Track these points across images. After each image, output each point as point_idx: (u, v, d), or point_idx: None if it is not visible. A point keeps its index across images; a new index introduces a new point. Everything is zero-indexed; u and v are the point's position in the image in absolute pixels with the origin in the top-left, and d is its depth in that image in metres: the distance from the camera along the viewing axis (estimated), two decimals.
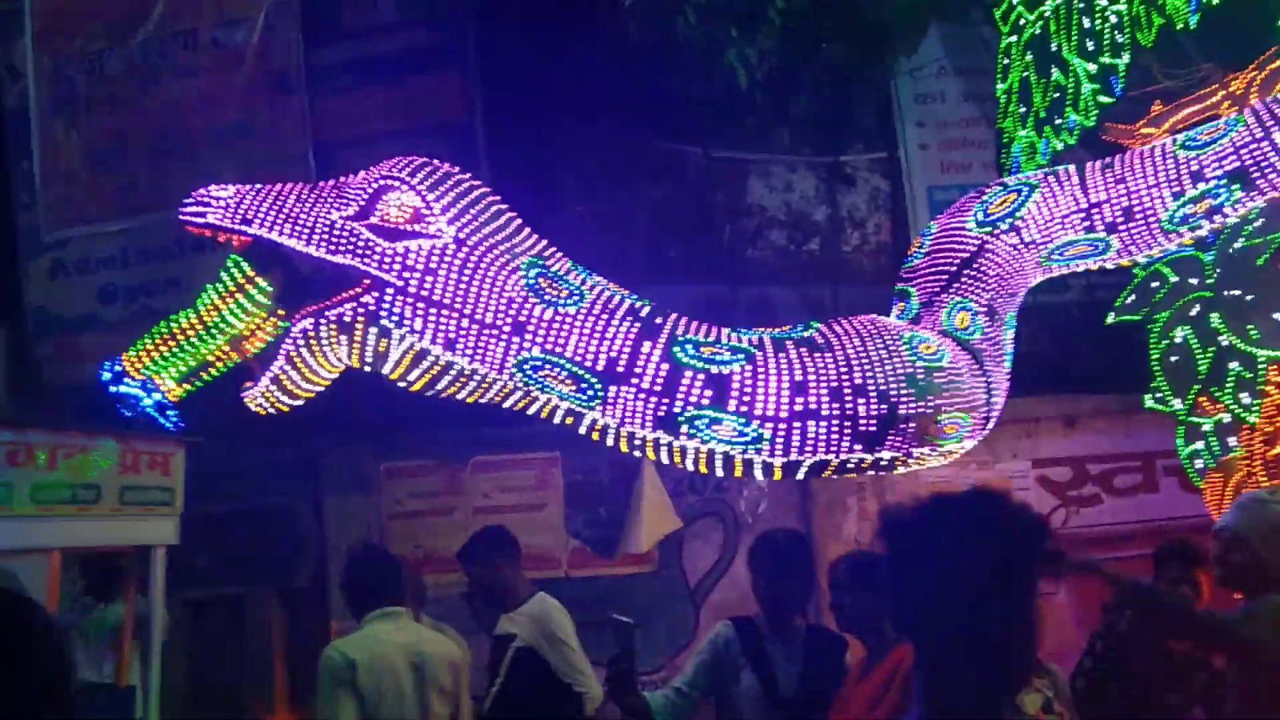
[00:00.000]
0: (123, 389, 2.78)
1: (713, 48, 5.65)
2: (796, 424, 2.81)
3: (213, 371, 2.83)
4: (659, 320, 2.94)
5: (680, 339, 2.88)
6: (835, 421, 2.84)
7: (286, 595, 6.65)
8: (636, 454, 2.93)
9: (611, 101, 6.19)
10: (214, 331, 2.79)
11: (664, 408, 2.77)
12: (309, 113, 6.45)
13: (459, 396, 2.90)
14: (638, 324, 2.89)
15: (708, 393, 2.80)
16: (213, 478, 5.56)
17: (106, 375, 2.77)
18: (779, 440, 2.80)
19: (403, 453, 6.33)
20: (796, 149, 6.32)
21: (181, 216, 2.82)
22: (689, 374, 2.81)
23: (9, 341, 7.07)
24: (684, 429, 2.78)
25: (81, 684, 5.36)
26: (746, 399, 2.80)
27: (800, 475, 2.93)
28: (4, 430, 4.69)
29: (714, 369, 2.83)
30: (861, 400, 2.89)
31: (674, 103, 6.09)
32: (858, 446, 2.90)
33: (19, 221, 7.17)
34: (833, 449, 2.87)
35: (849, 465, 2.95)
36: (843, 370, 2.92)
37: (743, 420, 2.79)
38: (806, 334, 3.06)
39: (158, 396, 2.78)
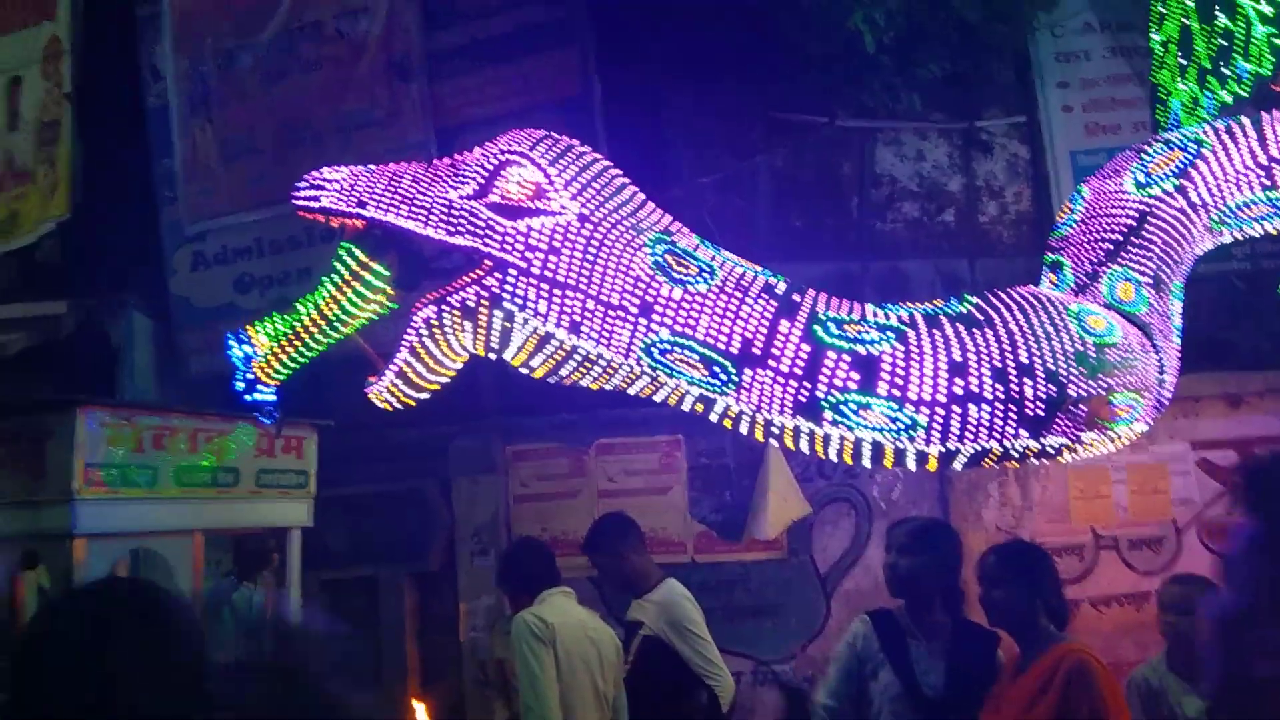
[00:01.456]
0: (257, 398, 2.63)
1: (837, 10, 5.27)
2: (956, 408, 2.48)
3: (312, 354, 2.66)
4: (796, 297, 2.64)
5: (822, 317, 2.57)
6: (1000, 405, 2.50)
7: (417, 577, 6.60)
8: (773, 442, 2.64)
9: (731, 71, 5.89)
10: (335, 325, 2.60)
11: (805, 392, 2.47)
12: (429, 98, 6.35)
13: (583, 383, 2.66)
14: (774, 302, 2.59)
15: (854, 375, 2.48)
16: (344, 461, 5.55)
17: (240, 384, 2.63)
18: (936, 426, 2.48)
19: (528, 435, 6.20)
20: (928, 115, 5.87)
21: (295, 201, 2.64)
22: (833, 355, 2.50)
23: (156, 333, 7.21)
24: (828, 415, 2.47)
25: (234, 662, 5.43)
26: (899, 382, 2.48)
27: (958, 465, 2.60)
28: (150, 415, 4.74)
29: (861, 349, 2.51)
30: (1028, 381, 2.54)
31: (796, 70, 5.73)
32: (1023, 432, 2.56)
33: (163, 217, 7.29)
34: (995, 435, 2.53)
35: (1012, 453, 2.60)
36: (1006, 348, 2.57)
37: (895, 405, 2.47)
38: (963, 309, 2.71)
39: (266, 392, 2.62)
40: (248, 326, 2.57)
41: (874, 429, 2.48)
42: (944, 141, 6.05)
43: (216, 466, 4.93)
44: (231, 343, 2.58)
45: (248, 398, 2.63)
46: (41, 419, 4.56)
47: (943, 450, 2.53)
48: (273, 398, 2.66)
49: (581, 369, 2.59)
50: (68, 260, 7.68)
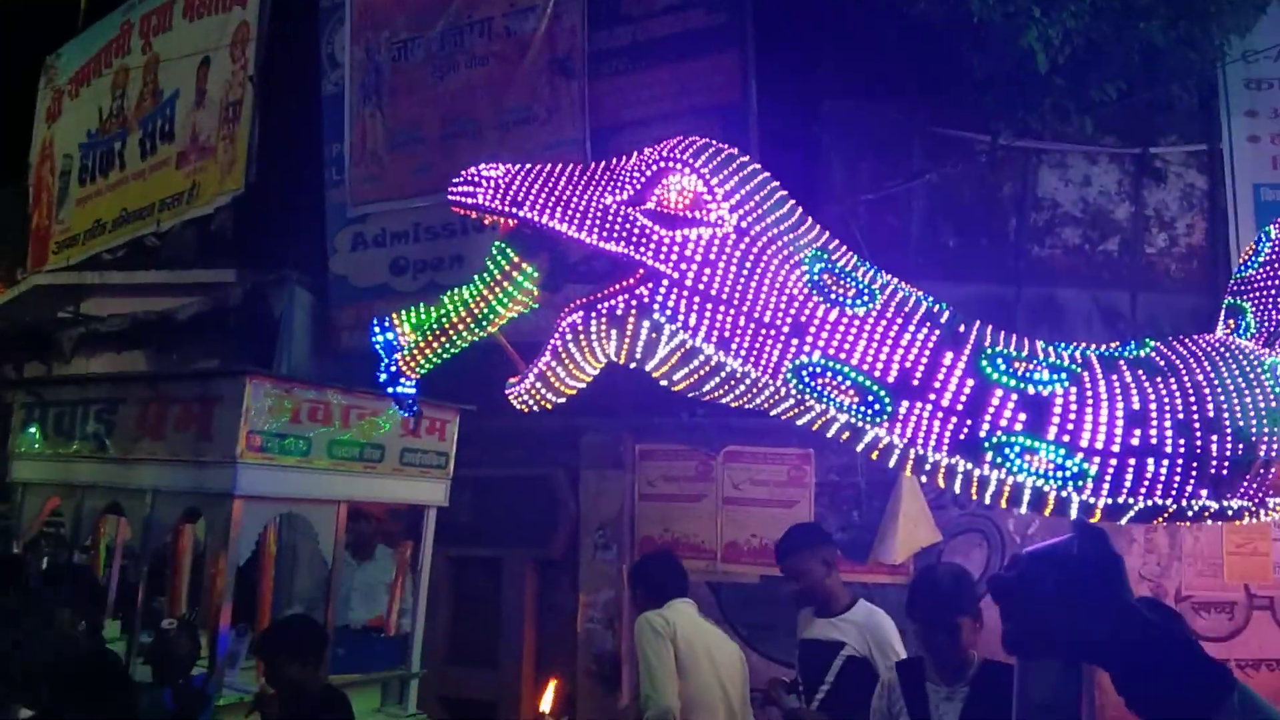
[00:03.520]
0: (399, 390, 2.56)
1: (1010, 27, 4.94)
2: (1132, 461, 2.19)
3: (456, 350, 2.57)
4: (962, 328, 2.39)
5: (989, 351, 2.31)
6: (1181, 461, 2.20)
7: (540, 563, 6.58)
8: (922, 479, 2.41)
9: (892, 83, 5.61)
10: (483, 323, 2.50)
11: (966, 430, 2.22)
12: (587, 97, 6.29)
13: (724, 400, 2.48)
14: (937, 331, 2.34)
15: (1022, 416, 2.22)
16: (478, 444, 5.55)
17: (383, 376, 2.57)
18: (1107, 478, 2.19)
19: (658, 435, 6.08)
20: (1098, 139, 5.45)
21: (450, 196, 2.54)
22: (999, 393, 2.23)
23: (314, 307, 7.41)
24: (989, 456, 2.21)
25: (356, 627, 5.53)
26: (1070, 427, 2.20)
27: (1124, 520, 2.32)
28: (308, 389, 4.86)
29: (1030, 389, 2.24)
30: (1214, 437, 2.23)
31: (961, 86, 5.41)
32: (1203, 492, 2.25)
33: (328, 199, 7.48)
34: (1173, 493, 2.23)
35: (1188, 513, 2.30)
36: (1191, 400, 2.26)
37: (1064, 452, 2.19)
38: (1142, 354, 2.42)
39: (408, 385, 2.55)
40: (394, 314, 2.49)
41: (1038, 474, 2.22)
42: (1114, 167, 5.62)
43: (365, 443, 5.01)
44: (375, 329, 2.51)
45: (390, 390, 2.56)
46: (213, 385, 4.75)
47: (1111, 503, 2.25)
48: (413, 390, 2.59)
49: (725, 386, 2.41)
50: (239, 232, 7.98)
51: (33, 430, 5.61)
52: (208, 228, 8.29)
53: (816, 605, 3.98)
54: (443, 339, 2.44)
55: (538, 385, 2.46)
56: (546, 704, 3.44)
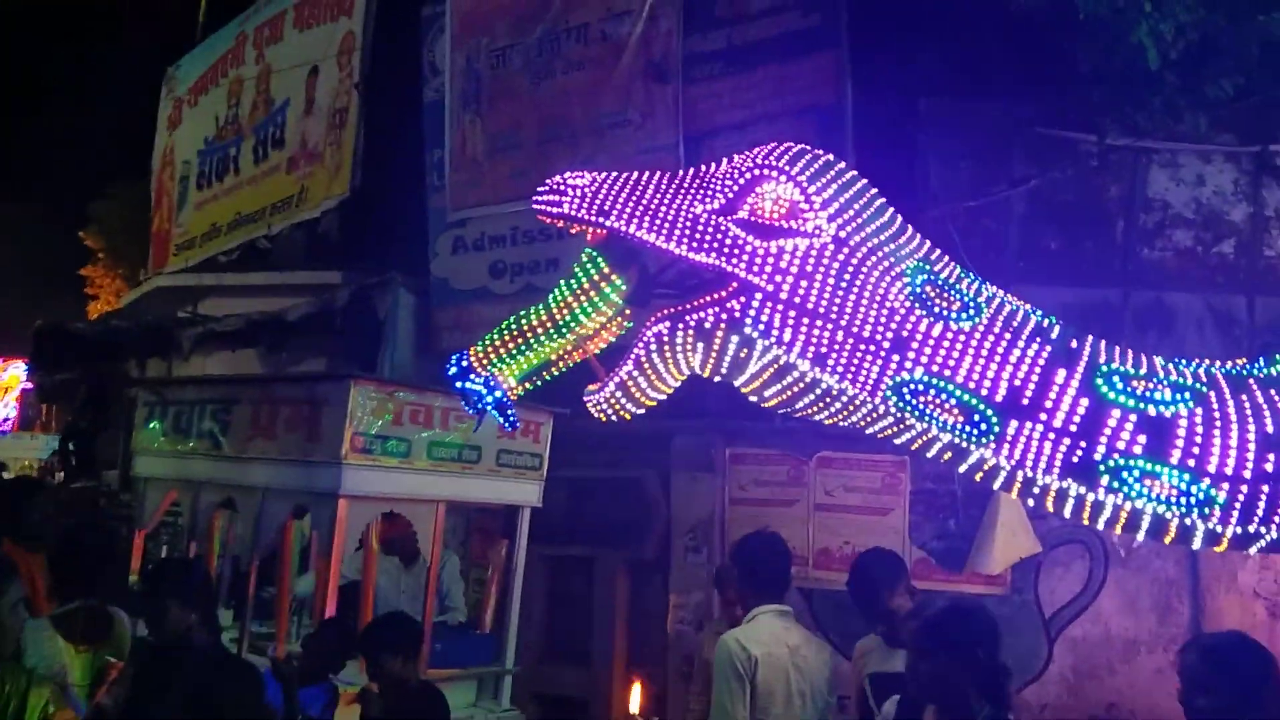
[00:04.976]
0: (467, 385, 2.52)
1: (1119, 23, 4.66)
2: (1265, 487, 2.02)
3: (554, 371, 2.50)
4: (1074, 344, 2.24)
5: (1104, 369, 2.17)
6: None
7: (632, 564, 6.52)
8: (1030, 502, 2.26)
9: (994, 82, 5.37)
10: (563, 329, 2.43)
11: (1080, 453, 2.09)
12: (681, 101, 6.20)
13: (818, 417, 2.37)
14: (1048, 346, 2.21)
15: (1141, 438, 2.08)
16: (571, 445, 5.52)
17: (453, 370, 2.52)
18: (1237, 506, 2.04)
19: (750, 439, 5.95)
20: (1213, 137, 5.11)
21: (535, 205, 2.49)
22: (1116, 413, 2.10)
23: (417, 308, 7.50)
24: (1105, 480, 2.08)
25: (447, 625, 5.57)
26: (1195, 450, 2.06)
27: (1253, 550, 2.13)
28: (408, 392, 4.90)
29: (1151, 409, 2.10)
30: None
31: (1066, 83, 5.14)
32: None
33: (430, 203, 7.55)
34: None
35: None
36: None
37: (1188, 477, 2.04)
38: (1274, 372, 2.22)
39: (499, 394, 2.49)
40: (471, 349, 2.44)
41: (1159, 500, 2.06)
42: (1230, 166, 5.28)
43: (463, 444, 5.03)
44: (453, 367, 2.46)
45: (458, 384, 2.51)
46: (320, 388, 4.85)
47: (1240, 532, 2.08)
48: (481, 388, 2.52)
49: (820, 404, 2.31)
50: (345, 236, 8.14)
51: (154, 427, 5.80)
52: (316, 231, 8.48)
53: (890, 636, 3.53)
54: (519, 339, 2.38)
55: (617, 394, 2.40)
56: (635, 704, 3.35)
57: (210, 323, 8.39)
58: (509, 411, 2.55)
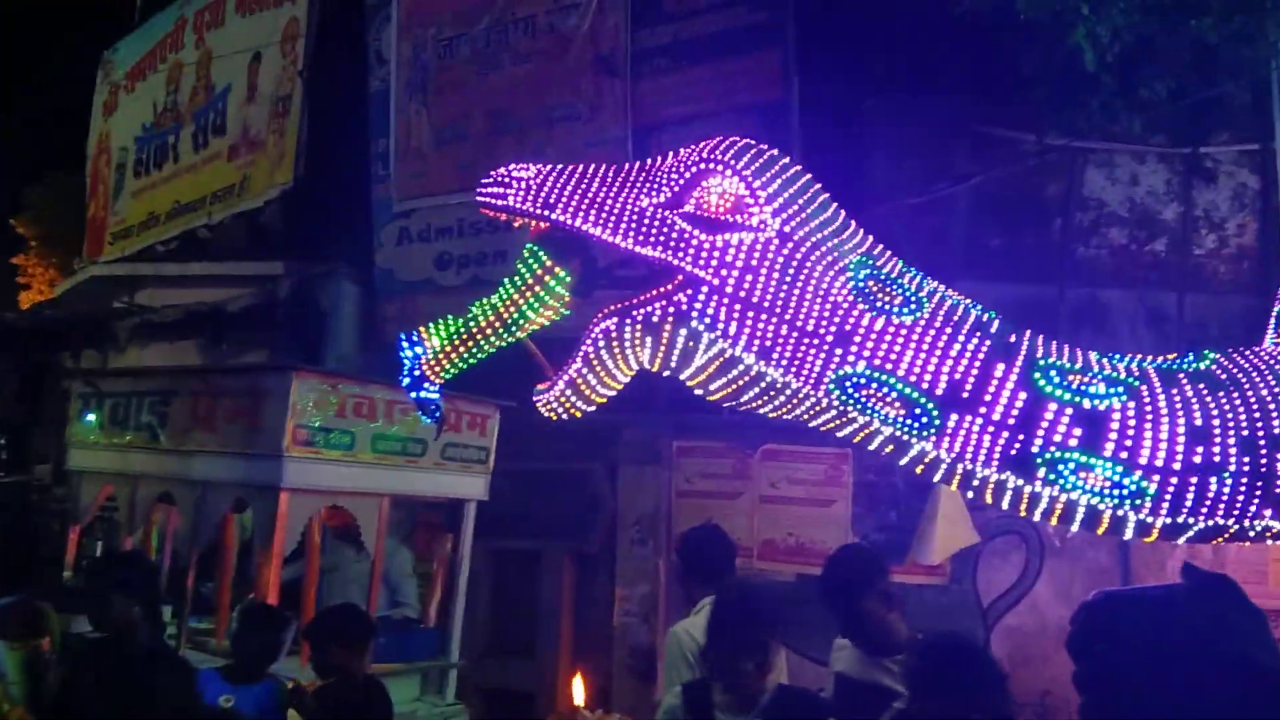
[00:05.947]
0: (423, 395, 2.48)
1: (1058, 25, 4.74)
2: (1193, 479, 2.07)
3: (482, 355, 2.47)
4: (1012, 338, 2.27)
5: (1042, 363, 2.20)
6: (1245, 480, 2.07)
7: (578, 557, 6.52)
8: (969, 495, 2.29)
9: (936, 82, 5.43)
10: (512, 328, 2.40)
11: (1018, 445, 2.11)
12: (630, 95, 6.19)
13: (762, 410, 2.37)
14: (988, 341, 2.23)
15: (1076, 431, 2.11)
16: (517, 438, 5.48)
17: (407, 380, 2.48)
18: (1167, 497, 2.08)
19: (696, 432, 5.96)
20: (1147, 138, 5.23)
21: (479, 198, 2.45)
22: (1053, 407, 2.13)
23: (360, 301, 7.39)
24: (1041, 473, 2.11)
25: (391, 619, 5.50)
26: (1128, 443, 2.09)
27: (1182, 540, 2.18)
28: (352, 384, 4.83)
29: (1086, 403, 2.13)
30: None
31: (1005, 84, 5.23)
32: (1268, 512, 2.12)
33: (375, 194, 7.44)
34: (1235, 513, 2.10)
35: (1249, 533, 2.17)
36: (1256, 416, 2.13)
37: (1120, 469, 2.08)
38: (1202, 366, 2.27)
39: (431, 390, 2.46)
40: (422, 329, 2.41)
41: (1092, 493, 2.10)
42: (1162, 166, 5.40)
43: (408, 437, 4.97)
44: (404, 343, 2.42)
45: (413, 394, 2.47)
46: (262, 380, 4.77)
47: (1169, 523, 2.12)
48: (436, 396, 2.49)
49: (764, 397, 2.31)
50: (288, 226, 7.98)
51: (90, 419, 5.64)
52: (258, 220, 8.31)
53: (864, 643, 3.29)
54: (469, 344, 2.35)
55: (567, 393, 2.37)
56: (579, 696, 3.34)
57: (148, 313, 8.19)
58: (435, 412, 2.52)
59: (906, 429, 2.17)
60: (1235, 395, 2.17)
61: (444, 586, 5.48)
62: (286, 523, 4.50)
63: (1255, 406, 2.15)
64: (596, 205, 2.33)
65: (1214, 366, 2.28)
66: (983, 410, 2.13)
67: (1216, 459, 2.08)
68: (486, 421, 5.39)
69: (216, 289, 7.95)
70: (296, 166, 7.80)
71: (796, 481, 5.69)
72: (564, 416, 2.44)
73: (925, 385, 2.16)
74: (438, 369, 2.42)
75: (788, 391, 2.26)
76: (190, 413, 5.02)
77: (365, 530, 4.96)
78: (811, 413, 2.30)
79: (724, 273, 2.23)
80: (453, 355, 2.39)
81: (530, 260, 2.36)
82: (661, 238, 2.28)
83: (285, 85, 8.20)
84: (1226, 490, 2.07)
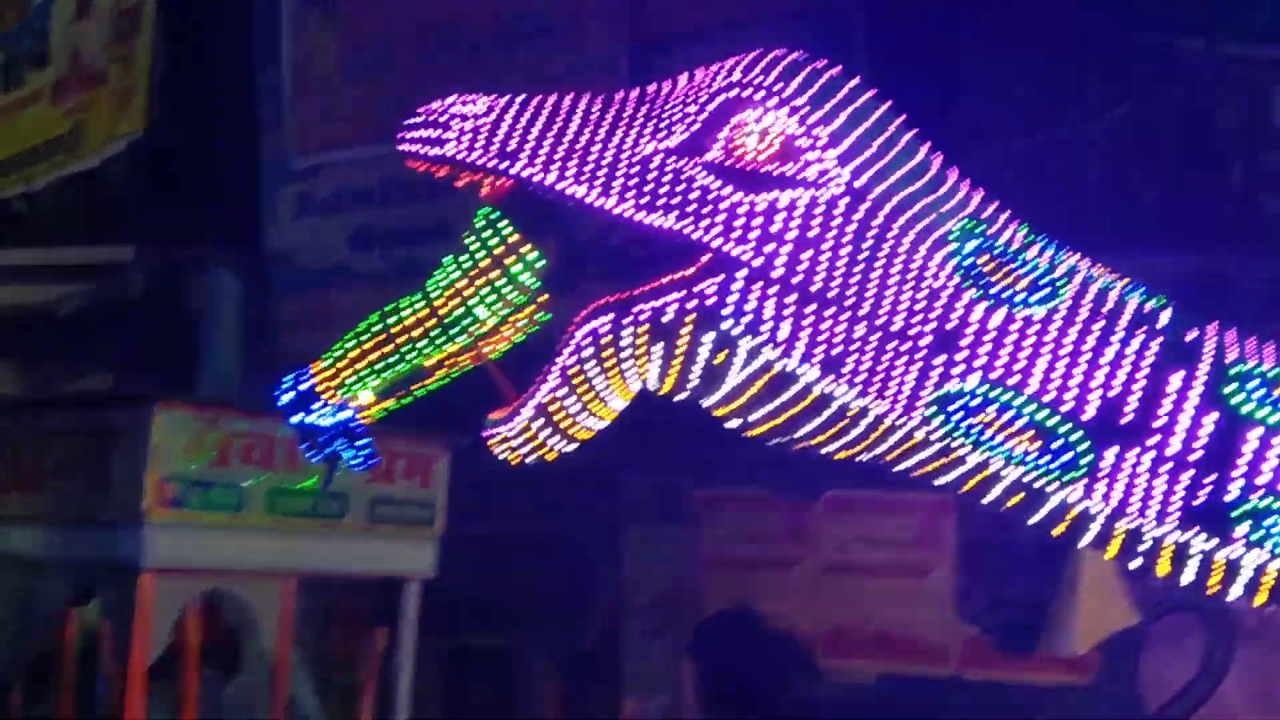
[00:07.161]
0: (307, 420, 2.44)
1: None
2: None
3: (434, 381, 2.44)
4: (1192, 335, 2.23)
5: (1236, 370, 2.17)
6: None
7: (566, 656, 6.57)
8: (1133, 564, 2.26)
9: None
10: (452, 330, 2.36)
11: (1208, 490, 2.07)
12: (623, 2, 6.35)
13: (828, 449, 2.34)
14: (1156, 339, 2.19)
15: None
16: (480, 491, 5.49)
17: (287, 397, 2.45)
18: None
19: (730, 476, 5.96)
20: None
21: (404, 145, 2.43)
22: (1257, 433, 2.09)
23: (245, 299, 7.39)
24: (1243, 530, 2.07)
25: None
26: None
27: None
28: (239, 417, 4.85)
29: None
30: None
31: None
32: None
33: (263, 145, 7.46)
34: None
35: None
36: None
37: None
38: None
39: (345, 415, 2.41)
40: (314, 365, 2.38)
41: None
42: None
43: (320, 491, 4.96)
44: (287, 395, 2.41)
45: (293, 421, 2.44)
46: (109, 415, 4.80)
47: None
48: (335, 420, 2.45)
49: (831, 429, 2.27)
50: (139, 194, 7.97)
51: None
52: (95, 187, 8.32)
53: None
54: (386, 348, 2.28)
55: (536, 425, 2.31)
56: None
57: None
58: (359, 443, 2.47)
59: (1042, 471, 2.13)
60: None
61: (377, 703, 5.47)
62: (151, 618, 4.53)
63: None
64: (578, 153, 2.31)
65: None
66: (1154, 441, 2.10)
67: None
68: (431, 466, 5.44)
69: (38, 284, 7.95)
70: (150, 109, 7.81)
71: (877, 542, 5.76)
72: (530, 459, 2.40)
73: (1068, 407, 2.12)
74: (335, 382, 2.37)
75: (866, 420, 2.23)
76: (8, 465, 5.07)
77: (265, 622, 4.97)
78: (901, 450, 2.27)
79: (769, 249, 2.18)
80: (359, 364, 2.34)
81: (487, 232, 2.32)
82: (675, 199, 2.26)
83: None
84: None
